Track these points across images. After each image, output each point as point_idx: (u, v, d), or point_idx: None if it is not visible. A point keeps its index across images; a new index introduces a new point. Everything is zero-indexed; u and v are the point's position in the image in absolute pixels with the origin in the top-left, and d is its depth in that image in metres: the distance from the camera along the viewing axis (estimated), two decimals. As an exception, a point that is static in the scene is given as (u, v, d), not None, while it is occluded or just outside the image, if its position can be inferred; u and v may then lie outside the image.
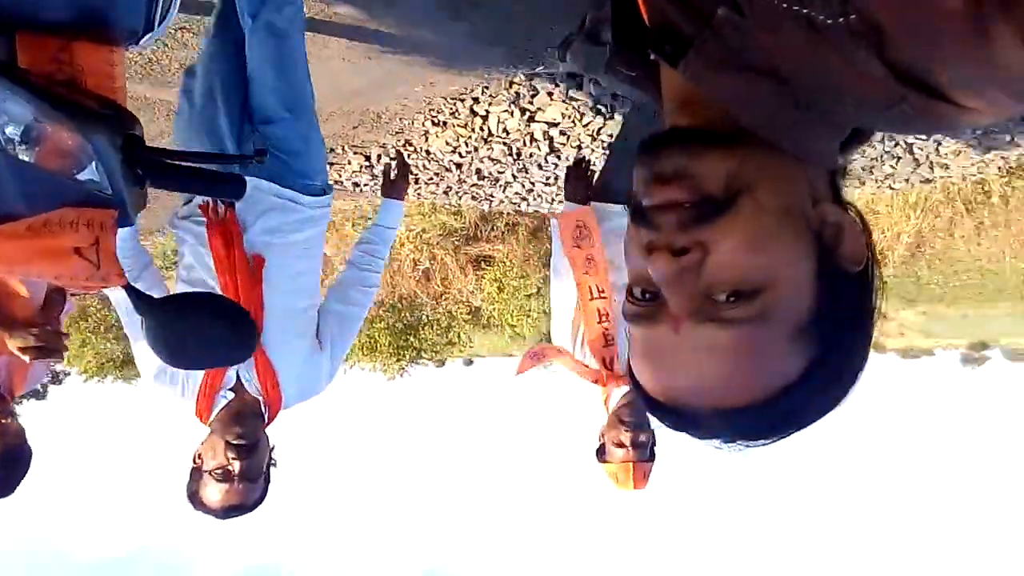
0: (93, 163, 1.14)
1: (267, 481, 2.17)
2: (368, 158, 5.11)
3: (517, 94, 4.28)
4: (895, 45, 0.53)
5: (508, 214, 6.68)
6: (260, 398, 2.16)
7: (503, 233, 7.45)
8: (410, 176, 2.79)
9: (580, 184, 2.92)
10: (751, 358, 0.70)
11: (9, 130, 1.10)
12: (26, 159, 1.11)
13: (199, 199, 2.23)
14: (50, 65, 1.12)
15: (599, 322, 2.68)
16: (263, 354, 2.16)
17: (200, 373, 2.08)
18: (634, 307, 0.75)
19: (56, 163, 1.13)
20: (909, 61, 0.53)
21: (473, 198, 5.97)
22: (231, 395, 2.15)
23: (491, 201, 6.10)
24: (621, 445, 2.58)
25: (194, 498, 2.10)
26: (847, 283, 0.73)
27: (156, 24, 1.24)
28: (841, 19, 0.54)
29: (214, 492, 2.06)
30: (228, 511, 2.09)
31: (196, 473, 2.12)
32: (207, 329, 1.20)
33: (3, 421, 2.13)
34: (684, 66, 0.70)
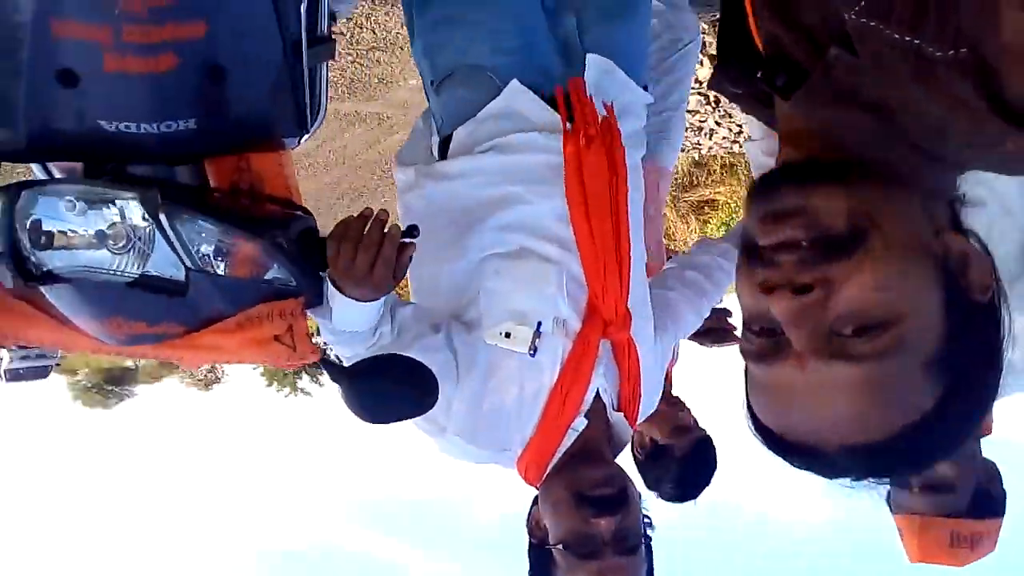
0: (275, 264, 1.31)
1: (649, 552, 1.49)
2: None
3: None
4: (1004, 83, 0.52)
5: (723, 156, 6.53)
6: (618, 416, 1.53)
7: (721, 175, 7.04)
8: None
9: None
10: (884, 393, 0.69)
11: (203, 248, 1.26)
12: (220, 272, 1.27)
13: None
14: (233, 175, 1.32)
15: None
16: (634, 350, 1.50)
17: (533, 419, 1.43)
18: (752, 344, 0.75)
19: (245, 270, 1.29)
20: (1017, 100, 0.52)
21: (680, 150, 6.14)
22: (584, 423, 1.48)
23: (699, 149, 6.14)
24: (905, 484, 1.57)
25: None
26: (976, 313, 0.72)
27: (309, 123, 1.37)
28: (951, 52, 0.53)
29: None
30: None
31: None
32: (392, 391, 1.29)
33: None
34: (796, 101, 0.70)
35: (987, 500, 1.56)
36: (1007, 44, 0.50)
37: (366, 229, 1.28)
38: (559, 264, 1.44)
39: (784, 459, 0.77)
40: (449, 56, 1.51)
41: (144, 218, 1.22)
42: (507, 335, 1.39)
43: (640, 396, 1.53)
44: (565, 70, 1.51)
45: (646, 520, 1.49)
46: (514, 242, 1.44)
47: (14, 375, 22.75)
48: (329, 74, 1.47)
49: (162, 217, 1.20)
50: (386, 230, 1.29)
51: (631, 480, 1.47)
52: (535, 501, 1.48)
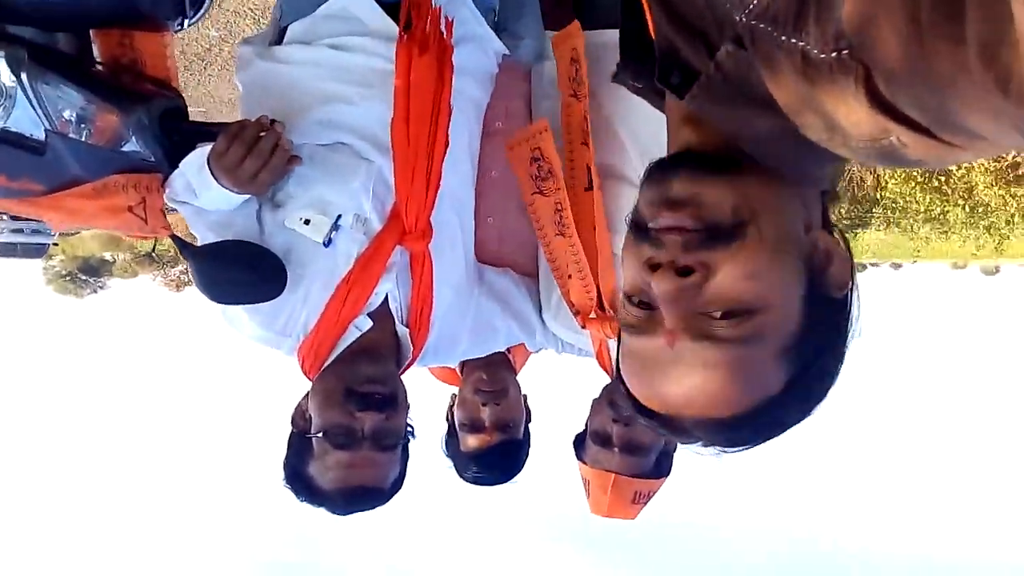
0: (134, 137, 1.39)
1: (405, 455, 1.53)
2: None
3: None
4: (885, 82, 0.53)
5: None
6: (404, 330, 1.53)
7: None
8: None
9: None
10: (740, 374, 0.74)
11: (65, 114, 1.34)
12: (80, 137, 1.36)
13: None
14: (117, 50, 1.43)
15: None
16: (429, 264, 1.52)
17: (318, 309, 1.45)
18: (629, 316, 0.79)
19: (104, 139, 1.38)
20: (898, 98, 0.54)
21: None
22: (368, 323, 1.49)
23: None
24: (606, 442, 1.68)
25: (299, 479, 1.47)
26: (830, 307, 0.78)
27: (189, 11, 1.45)
28: (834, 54, 0.55)
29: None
30: (351, 496, 1.44)
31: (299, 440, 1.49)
32: (236, 273, 1.38)
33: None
34: (690, 99, 0.73)
35: (665, 460, 1.68)
36: (883, 48, 0.51)
37: (261, 137, 1.33)
38: (372, 164, 1.46)
39: (643, 422, 0.83)
40: None
41: (10, 76, 1.29)
42: (306, 222, 1.41)
43: (428, 317, 1.54)
44: None
45: (409, 428, 1.52)
46: (332, 138, 1.46)
47: (7, 249, 21.42)
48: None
49: (23, 76, 1.27)
50: (280, 139, 1.35)
51: (404, 386, 1.49)
52: (305, 395, 1.50)
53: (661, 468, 1.69)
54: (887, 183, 8.20)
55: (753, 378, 0.74)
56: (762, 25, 0.61)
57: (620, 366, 0.83)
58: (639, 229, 0.77)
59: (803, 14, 0.57)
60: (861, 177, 8.40)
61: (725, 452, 0.82)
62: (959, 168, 7.87)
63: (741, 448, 0.82)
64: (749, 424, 0.76)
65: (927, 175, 8.03)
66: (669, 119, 0.86)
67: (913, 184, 7.97)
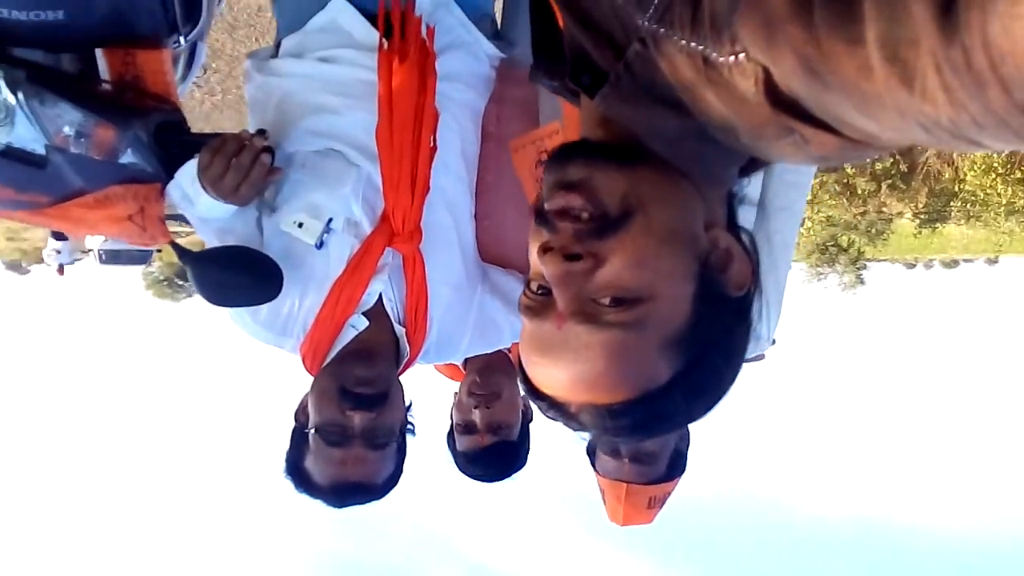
0: (130, 150, 1.46)
1: (401, 453, 1.56)
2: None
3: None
4: (784, 84, 0.54)
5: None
6: (401, 329, 1.56)
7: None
8: None
9: None
10: (621, 359, 0.75)
11: (65, 129, 1.42)
12: (79, 151, 1.44)
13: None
14: (121, 68, 1.50)
15: None
16: (420, 265, 1.54)
17: (315, 310, 1.50)
18: (527, 299, 0.81)
19: (102, 152, 1.46)
20: (798, 98, 0.54)
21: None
22: (363, 323, 1.53)
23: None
24: (615, 452, 1.66)
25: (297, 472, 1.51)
26: (725, 306, 0.79)
27: (182, 28, 1.56)
28: (731, 57, 0.57)
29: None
30: (343, 491, 1.48)
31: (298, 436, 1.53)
32: (233, 277, 1.44)
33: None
34: (600, 99, 0.75)
35: (679, 461, 1.67)
36: (780, 52, 0.52)
37: (240, 152, 1.39)
38: (360, 169, 1.50)
39: (538, 407, 0.85)
40: None
41: (10, 95, 1.38)
42: (300, 225, 1.47)
43: (424, 317, 1.56)
44: None
45: (409, 426, 1.56)
46: (324, 145, 1.52)
47: (112, 256, 22.06)
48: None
49: (20, 95, 1.36)
50: (260, 154, 1.40)
51: (400, 386, 1.53)
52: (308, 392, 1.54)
53: (674, 470, 1.68)
54: (966, 175, 7.78)
55: (634, 365, 0.75)
56: (662, 29, 0.63)
57: (520, 349, 0.85)
58: (539, 214, 0.79)
59: (699, 20, 0.58)
60: (938, 170, 8.00)
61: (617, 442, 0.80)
62: (1043, 158, 7.43)
63: (629, 439, 0.81)
64: (632, 414, 0.77)
65: (1009, 166, 7.61)
66: (583, 120, 0.87)
67: (994, 176, 7.54)
